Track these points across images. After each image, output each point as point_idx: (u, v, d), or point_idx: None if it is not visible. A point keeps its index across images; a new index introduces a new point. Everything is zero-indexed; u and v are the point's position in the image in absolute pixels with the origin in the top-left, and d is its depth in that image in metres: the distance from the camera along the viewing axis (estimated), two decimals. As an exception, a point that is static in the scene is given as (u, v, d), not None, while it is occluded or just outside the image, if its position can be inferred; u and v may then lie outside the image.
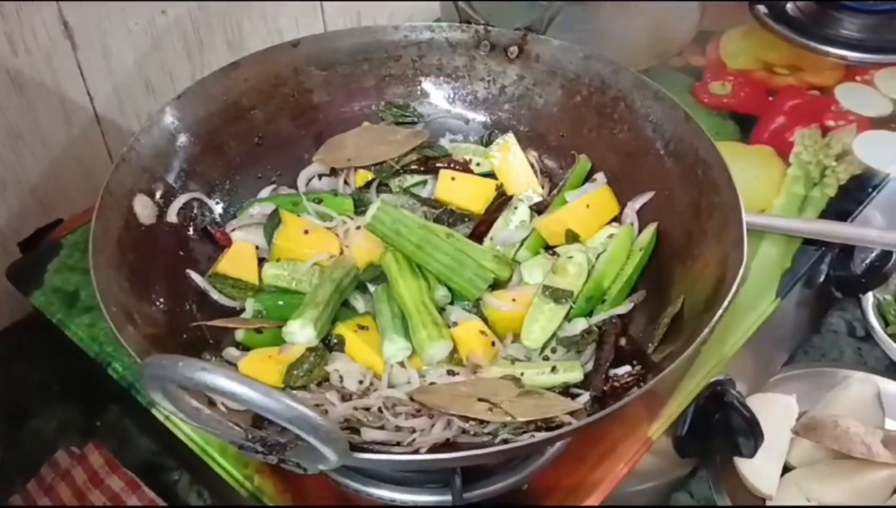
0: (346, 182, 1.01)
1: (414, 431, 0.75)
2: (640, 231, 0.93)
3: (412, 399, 0.78)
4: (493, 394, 0.76)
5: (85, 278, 0.99)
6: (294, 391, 0.79)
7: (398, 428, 0.76)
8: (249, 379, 0.55)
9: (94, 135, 1.14)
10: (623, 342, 0.86)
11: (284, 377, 0.79)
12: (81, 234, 1.04)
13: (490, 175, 1.01)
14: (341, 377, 0.81)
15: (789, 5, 1.44)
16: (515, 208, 0.97)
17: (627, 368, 0.82)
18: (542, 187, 1.00)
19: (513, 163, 1.00)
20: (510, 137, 1.01)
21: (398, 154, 1.00)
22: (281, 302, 0.88)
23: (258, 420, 0.70)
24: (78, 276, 1.00)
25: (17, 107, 1.05)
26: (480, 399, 0.75)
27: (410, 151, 1.01)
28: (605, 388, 0.81)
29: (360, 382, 0.81)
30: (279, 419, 0.56)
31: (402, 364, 0.82)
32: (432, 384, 0.81)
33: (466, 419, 0.74)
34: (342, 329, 0.85)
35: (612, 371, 0.82)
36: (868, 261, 1.10)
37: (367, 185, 1.01)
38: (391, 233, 0.89)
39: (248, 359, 0.82)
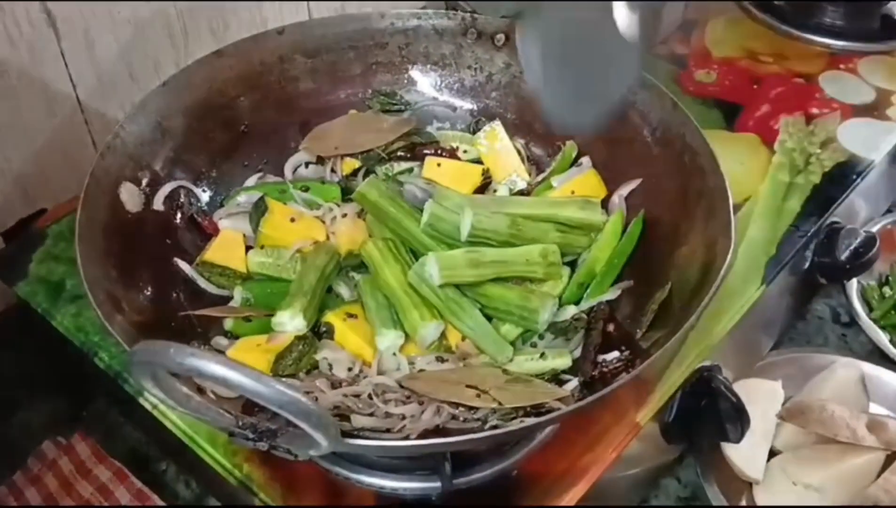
0: (332, 170, 1.01)
1: (404, 417, 0.75)
2: (627, 218, 0.94)
3: (401, 386, 0.78)
4: (481, 381, 0.76)
5: (70, 268, 0.98)
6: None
7: (388, 415, 0.76)
8: (240, 364, 0.55)
9: (77, 124, 1.13)
10: (611, 327, 0.86)
11: (273, 367, 0.80)
12: (66, 224, 1.04)
13: (477, 162, 1.01)
14: (330, 365, 0.81)
15: (773, -6, 1.45)
16: (495, 190, 0.97)
17: (616, 353, 0.82)
18: (529, 175, 1.00)
19: (500, 150, 1.00)
20: (497, 125, 1.01)
21: (385, 142, 1.00)
22: (269, 290, 0.88)
23: (247, 409, 0.70)
24: (63, 266, 0.99)
25: (0, 96, 1.04)
26: (468, 386, 0.75)
27: (398, 139, 1.01)
28: (593, 373, 0.81)
29: (350, 369, 0.81)
30: (270, 404, 0.56)
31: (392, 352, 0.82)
32: (421, 370, 0.81)
33: (456, 405, 0.74)
34: (331, 318, 0.85)
35: (601, 357, 0.82)
36: (852, 248, 1.10)
37: (354, 173, 1.01)
38: (381, 200, 0.90)
39: (237, 348, 0.82)
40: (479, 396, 0.74)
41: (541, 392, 0.76)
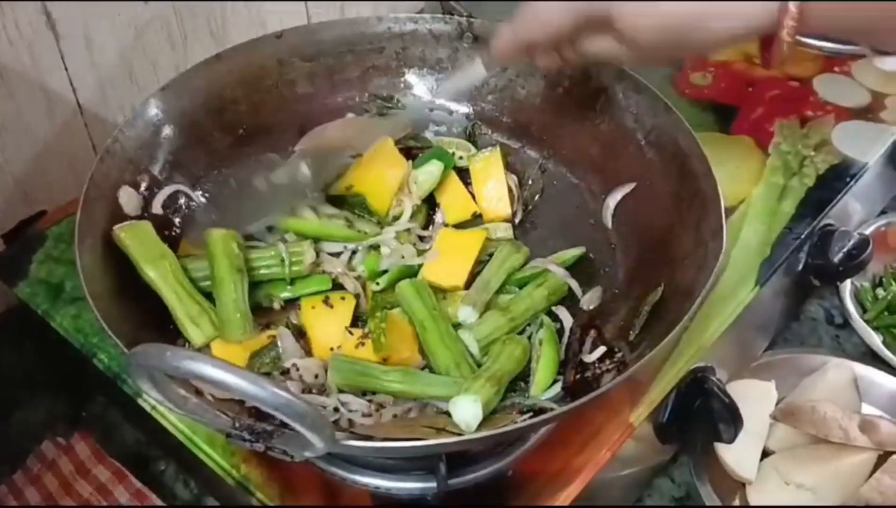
0: None
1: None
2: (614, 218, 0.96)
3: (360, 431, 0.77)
4: (434, 421, 0.77)
5: (70, 270, 0.99)
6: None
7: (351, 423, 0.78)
8: (236, 367, 0.56)
9: (77, 126, 1.14)
10: (593, 333, 0.87)
11: (248, 363, 0.82)
12: (66, 225, 1.04)
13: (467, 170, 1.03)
14: (298, 369, 0.82)
15: (769, -3, 1.45)
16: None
17: (609, 353, 0.83)
18: (513, 206, 1.00)
19: (491, 177, 1.00)
20: (497, 153, 1.01)
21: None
22: None
23: (244, 410, 0.71)
24: (63, 267, 1.00)
25: (0, 98, 1.04)
26: (424, 426, 0.75)
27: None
28: (586, 375, 0.82)
29: (316, 376, 0.82)
30: (266, 406, 0.57)
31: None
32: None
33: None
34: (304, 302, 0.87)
35: (594, 358, 0.83)
36: (845, 249, 1.11)
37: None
38: None
39: (217, 343, 0.84)
40: (438, 432, 0.74)
41: (499, 419, 0.77)
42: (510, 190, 1.01)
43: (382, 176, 0.96)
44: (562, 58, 0.82)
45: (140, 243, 0.85)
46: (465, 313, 0.87)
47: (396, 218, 0.96)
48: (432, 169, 0.98)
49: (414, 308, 0.86)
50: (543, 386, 0.82)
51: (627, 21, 0.73)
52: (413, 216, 0.97)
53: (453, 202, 1.00)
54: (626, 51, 0.76)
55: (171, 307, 0.83)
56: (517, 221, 1.01)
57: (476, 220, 1.01)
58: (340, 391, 0.81)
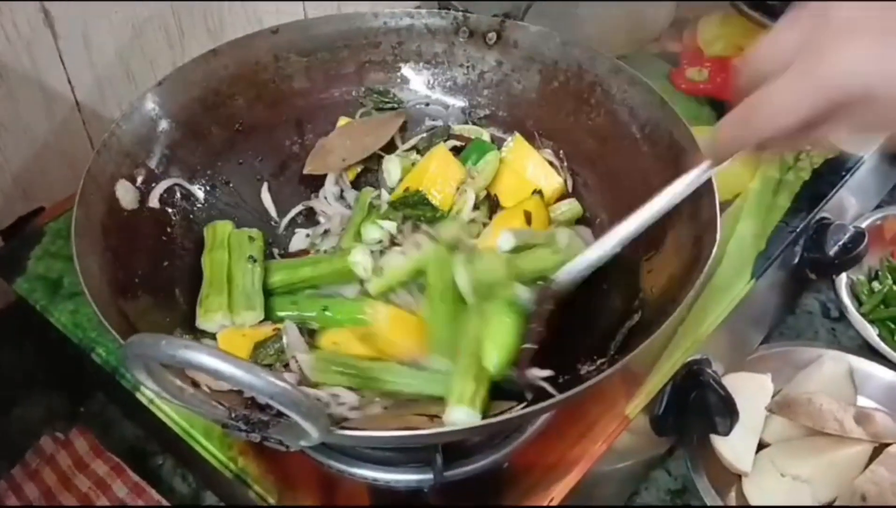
0: (337, 183, 1.02)
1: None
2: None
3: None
4: (426, 409, 0.77)
5: (68, 265, 0.99)
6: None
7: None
8: (232, 356, 0.56)
9: (75, 123, 1.14)
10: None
11: (252, 354, 0.82)
12: (64, 221, 1.05)
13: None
14: (297, 361, 0.82)
15: (766, -8, 1.46)
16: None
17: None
18: (561, 175, 1.00)
19: (526, 160, 1.00)
20: (519, 138, 1.01)
21: (386, 140, 1.02)
22: None
23: (241, 403, 0.71)
24: (61, 263, 1.01)
25: (-1, 96, 1.05)
26: (416, 414, 0.76)
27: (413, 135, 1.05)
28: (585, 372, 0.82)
29: None
30: (261, 394, 0.57)
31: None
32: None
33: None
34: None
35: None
36: (841, 243, 1.12)
37: (357, 178, 1.04)
38: None
39: (223, 336, 0.84)
40: (431, 420, 0.74)
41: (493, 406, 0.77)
42: (550, 163, 1.01)
43: (441, 171, 0.96)
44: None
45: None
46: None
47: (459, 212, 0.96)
48: (489, 158, 0.98)
49: (431, 273, 0.85)
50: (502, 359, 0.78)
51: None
52: (476, 208, 0.97)
53: (508, 187, 1.00)
54: (860, 131, 0.66)
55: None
56: (570, 188, 1.01)
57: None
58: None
